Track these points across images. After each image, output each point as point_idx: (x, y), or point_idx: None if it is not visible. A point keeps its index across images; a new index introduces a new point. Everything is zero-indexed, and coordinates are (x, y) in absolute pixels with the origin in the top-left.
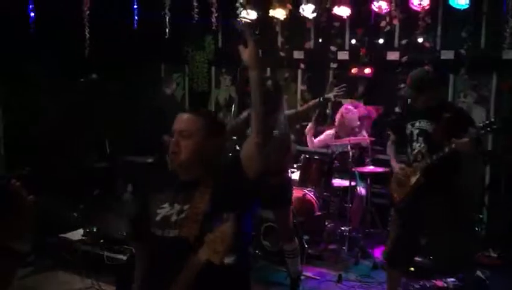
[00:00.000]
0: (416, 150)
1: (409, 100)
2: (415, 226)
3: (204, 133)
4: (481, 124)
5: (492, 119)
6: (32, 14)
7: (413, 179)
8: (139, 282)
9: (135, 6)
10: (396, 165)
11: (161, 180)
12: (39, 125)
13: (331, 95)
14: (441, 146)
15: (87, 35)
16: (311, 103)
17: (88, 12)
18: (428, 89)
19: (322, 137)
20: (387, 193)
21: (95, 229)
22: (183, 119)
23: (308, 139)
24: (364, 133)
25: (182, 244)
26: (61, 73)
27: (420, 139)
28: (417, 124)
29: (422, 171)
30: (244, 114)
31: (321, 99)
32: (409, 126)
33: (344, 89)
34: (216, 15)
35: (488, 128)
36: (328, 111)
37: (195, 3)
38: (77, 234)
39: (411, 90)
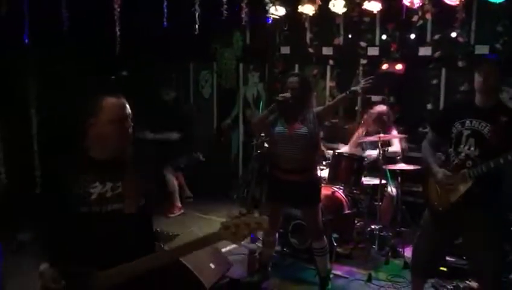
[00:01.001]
0: (463, 153)
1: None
2: (451, 236)
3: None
4: None
5: None
6: (64, 12)
7: (463, 188)
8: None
9: (165, 4)
10: (439, 170)
11: (74, 163)
12: (70, 123)
13: (358, 88)
14: (495, 152)
15: (118, 32)
16: (339, 97)
17: (119, 9)
18: (499, 83)
19: (353, 139)
20: (418, 191)
21: None
22: (125, 106)
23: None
24: (394, 131)
25: (122, 217)
26: (93, 70)
27: (471, 141)
28: (468, 123)
29: (476, 180)
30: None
31: (348, 92)
32: (457, 125)
33: (371, 81)
34: (246, 10)
35: None
36: (357, 108)
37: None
38: None
39: (487, 79)
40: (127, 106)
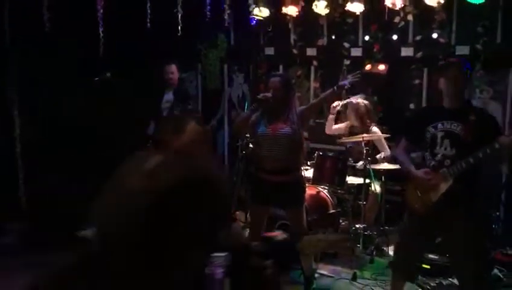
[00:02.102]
0: (440, 154)
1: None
2: (431, 238)
3: None
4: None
5: None
6: (46, 12)
7: (444, 186)
8: None
9: (148, 5)
10: (417, 172)
11: None
12: (55, 124)
13: (346, 82)
14: (470, 150)
15: (101, 34)
16: (325, 93)
17: (102, 11)
18: (467, 83)
19: (340, 126)
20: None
21: None
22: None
23: (328, 122)
24: (375, 128)
25: None
26: (76, 72)
27: (446, 142)
28: (440, 125)
29: (456, 178)
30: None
31: (336, 88)
32: (430, 128)
33: (359, 75)
34: (229, 12)
35: None
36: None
37: (208, 1)
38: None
39: (453, 82)
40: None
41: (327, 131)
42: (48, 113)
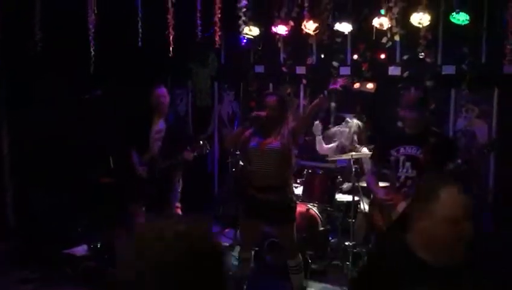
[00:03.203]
0: (403, 176)
1: (399, 123)
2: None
3: None
4: (484, 143)
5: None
6: (38, 31)
7: (403, 205)
8: None
9: (140, 24)
10: (379, 192)
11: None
12: (44, 142)
13: (337, 85)
14: (430, 170)
15: (93, 52)
16: (315, 101)
17: (93, 30)
18: (425, 110)
19: (330, 146)
20: None
21: (99, 245)
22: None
23: (318, 142)
24: (364, 149)
25: None
26: (67, 89)
27: (407, 164)
28: (402, 149)
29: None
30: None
31: (326, 92)
32: (393, 152)
33: (351, 81)
34: (219, 34)
35: (489, 149)
36: (330, 126)
37: (198, 22)
38: (82, 250)
39: (410, 110)
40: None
41: (320, 151)
42: (37, 131)
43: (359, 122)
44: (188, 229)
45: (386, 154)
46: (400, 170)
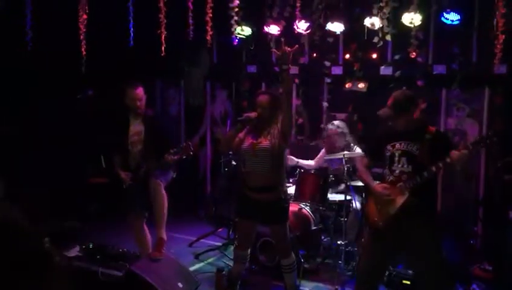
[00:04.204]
0: (397, 171)
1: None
2: (392, 252)
3: None
4: (477, 138)
5: (486, 134)
6: (29, 31)
7: (401, 199)
8: None
9: (131, 24)
10: (376, 186)
11: None
12: (35, 141)
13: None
14: (425, 166)
15: (84, 52)
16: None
17: (85, 29)
18: (411, 109)
19: (320, 155)
20: None
21: (91, 245)
22: None
23: (303, 164)
24: (358, 149)
25: None
26: (58, 89)
27: (403, 160)
28: (398, 145)
29: (412, 191)
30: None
31: (281, 69)
32: (388, 147)
33: (294, 48)
34: (211, 33)
35: (482, 143)
36: (322, 125)
37: (190, 21)
38: (73, 250)
39: (393, 111)
40: None
41: (316, 166)
42: (28, 130)
43: (336, 128)
44: None
45: (382, 149)
46: (395, 165)
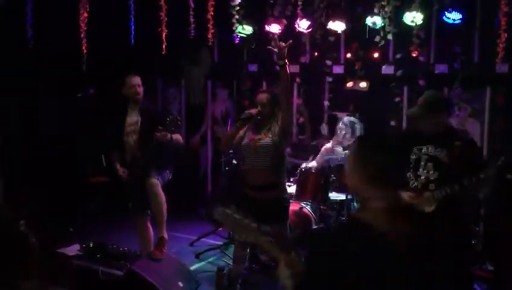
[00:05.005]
0: (423, 177)
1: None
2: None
3: None
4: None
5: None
6: (30, 29)
7: (428, 209)
8: None
9: (132, 22)
10: (403, 193)
11: None
12: (36, 140)
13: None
14: (453, 175)
15: (85, 50)
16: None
17: (85, 28)
18: (442, 112)
19: (321, 151)
20: None
21: (91, 244)
22: None
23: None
24: None
25: None
26: (59, 88)
27: (429, 165)
28: (424, 149)
29: (441, 202)
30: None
31: (277, 62)
32: (415, 150)
33: (287, 43)
34: (212, 31)
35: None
36: (324, 125)
37: (191, 19)
38: (74, 249)
39: (423, 111)
40: None
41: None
42: (28, 129)
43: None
44: None
45: (408, 152)
46: (421, 170)
